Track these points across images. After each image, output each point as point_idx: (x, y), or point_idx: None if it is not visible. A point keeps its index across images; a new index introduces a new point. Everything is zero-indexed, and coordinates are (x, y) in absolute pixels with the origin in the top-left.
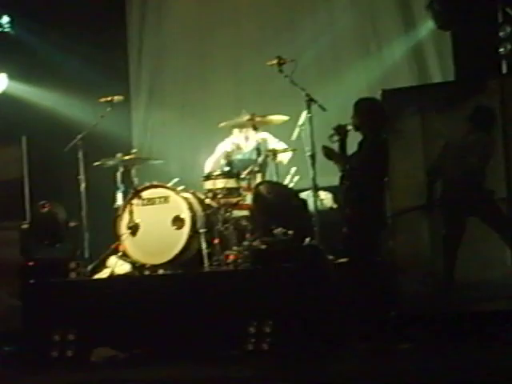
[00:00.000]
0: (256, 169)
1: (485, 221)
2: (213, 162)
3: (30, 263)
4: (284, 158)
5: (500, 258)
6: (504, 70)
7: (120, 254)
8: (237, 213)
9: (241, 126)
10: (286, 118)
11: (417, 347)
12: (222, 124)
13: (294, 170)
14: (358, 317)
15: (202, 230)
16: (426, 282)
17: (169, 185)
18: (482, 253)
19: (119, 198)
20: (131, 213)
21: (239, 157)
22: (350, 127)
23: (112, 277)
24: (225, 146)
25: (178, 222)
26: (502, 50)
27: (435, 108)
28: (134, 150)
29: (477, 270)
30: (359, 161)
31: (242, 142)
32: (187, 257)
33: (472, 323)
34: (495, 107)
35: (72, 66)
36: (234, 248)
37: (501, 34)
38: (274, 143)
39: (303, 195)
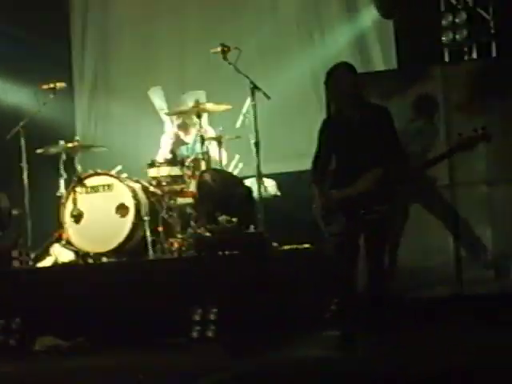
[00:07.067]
0: (200, 156)
1: (427, 208)
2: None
3: None
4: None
5: (441, 245)
6: (446, 58)
7: (63, 242)
8: (181, 200)
9: (184, 114)
10: (229, 106)
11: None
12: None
13: (237, 157)
14: (304, 304)
15: (146, 218)
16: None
17: (112, 172)
18: (423, 240)
19: (62, 186)
20: (75, 201)
21: (183, 147)
22: None
23: (55, 265)
24: (167, 138)
25: (121, 209)
26: (444, 38)
27: (377, 96)
28: (77, 138)
29: (418, 257)
30: None
31: (183, 131)
32: (131, 245)
33: (411, 309)
34: (437, 95)
35: (11, 52)
36: (179, 236)
37: (443, 22)
38: (214, 132)
39: (247, 183)
